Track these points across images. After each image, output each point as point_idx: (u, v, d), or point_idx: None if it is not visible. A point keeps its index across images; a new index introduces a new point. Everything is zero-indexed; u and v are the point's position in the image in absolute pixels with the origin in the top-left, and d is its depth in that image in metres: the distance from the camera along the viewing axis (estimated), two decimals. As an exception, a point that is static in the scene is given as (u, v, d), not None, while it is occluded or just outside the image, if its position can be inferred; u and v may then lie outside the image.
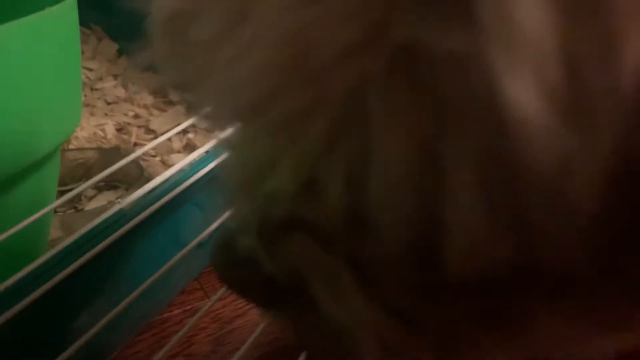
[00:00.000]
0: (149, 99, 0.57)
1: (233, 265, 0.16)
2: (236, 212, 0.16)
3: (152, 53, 0.14)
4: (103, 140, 0.50)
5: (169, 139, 0.51)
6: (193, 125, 0.46)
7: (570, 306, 0.12)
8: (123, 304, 0.32)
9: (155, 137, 0.53)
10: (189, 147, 0.51)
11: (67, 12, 0.29)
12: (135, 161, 0.44)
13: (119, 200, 0.44)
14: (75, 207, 0.45)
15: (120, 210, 0.30)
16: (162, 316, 0.42)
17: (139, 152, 0.35)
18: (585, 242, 0.10)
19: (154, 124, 0.54)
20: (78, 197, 0.46)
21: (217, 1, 0.12)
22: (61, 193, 0.41)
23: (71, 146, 0.50)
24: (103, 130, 0.52)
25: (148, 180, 0.45)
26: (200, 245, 0.37)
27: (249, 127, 0.13)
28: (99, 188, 0.47)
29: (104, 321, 0.31)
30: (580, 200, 0.09)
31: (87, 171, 0.47)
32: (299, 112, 0.11)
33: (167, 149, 0.51)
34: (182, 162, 0.35)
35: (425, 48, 0.09)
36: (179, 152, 0.50)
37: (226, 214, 0.17)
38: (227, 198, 0.17)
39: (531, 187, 0.09)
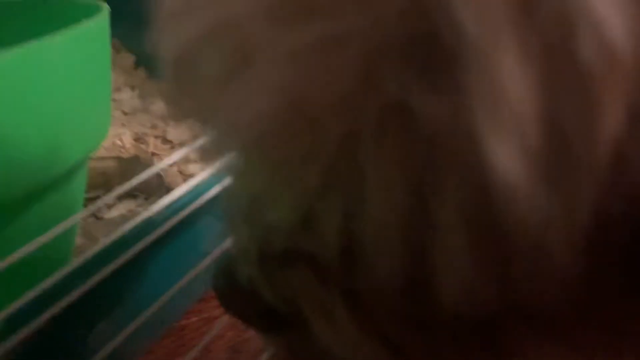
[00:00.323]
0: (165, 110, 0.58)
1: (233, 292, 0.17)
2: (237, 239, 0.17)
3: (163, 87, 0.15)
4: (122, 150, 0.51)
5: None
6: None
7: (556, 343, 0.12)
8: (146, 312, 0.33)
9: (172, 147, 0.54)
10: (206, 157, 0.51)
11: (101, 25, 0.30)
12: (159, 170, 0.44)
13: (140, 208, 0.45)
14: (95, 215, 0.46)
15: (149, 218, 0.31)
16: (180, 323, 0.43)
17: (162, 164, 0.36)
18: (565, 288, 0.11)
19: (171, 134, 0.55)
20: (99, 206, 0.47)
21: (221, 49, 0.12)
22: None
23: (91, 155, 0.51)
24: (121, 140, 0.53)
25: (167, 189, 0.46)
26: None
27: (251, 162, 0.14)
28: (119, 197, 0.47)
29: (129, 330, 0.32)
30: (558, 254, 0.10)
31: (106, 180, 0.48)
32: (296, 155, 0.12)
33: (184, 158, 0.52)
34: (203, 172, 0.36)
35: (413, 109, 0.10)
36: (195, 161, 0.51)
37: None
38: (229, 225, 0.17)
39: (514, 239, 0.10)
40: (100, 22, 0.29)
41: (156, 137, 0.55)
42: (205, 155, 0.15)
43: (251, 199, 0.15)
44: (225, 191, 0.17)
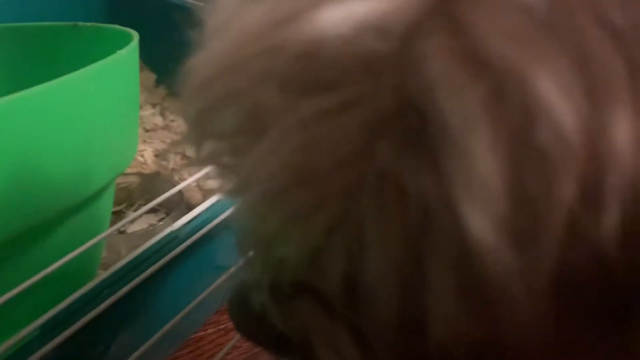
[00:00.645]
0: (185, 127, 0.60)
1: (246, 317, 0.19)
2: (251, 269, 0.18)
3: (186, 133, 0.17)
4: (143, 166, 0.53)
5: (204, 165, 0.54)
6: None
7: None
8: (167, 324, 0.35)
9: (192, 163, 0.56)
10: (224, 173, 0.53)
11: (132, 54, 0.32)
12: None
13: (161, 222, 0.47)
14: (117, 229, 0.48)
15: (172, 232, 0.32)
16: (197, 334, 0.45)
17: (185, 183, 0.38)
18: (538, 328, 0.13)
19: (190, 151, 0.57)
20: (120, 219, 0.49)
21: (238, 111, 0.14)
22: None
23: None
24: (142, 156, 0.55)
25: (187, 204, 0.48)
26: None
27: (264, 208, 0.15)
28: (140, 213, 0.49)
29: (150, 341, 0.34)
30: (528, 300, 0.12)
31: (128, 195, 0.50)
32: (305, 205, 0.13)
33: (203, 174, 0.54)
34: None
35: (403, 179, 0.12)
36: (214, 178, 0.53)
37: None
38: (243, 254, 0.19)
39: (491, 288, 0.12)
40: (131, 50, 0.31)
41: (176, 153, 0.57)
42: (224, 193, 0.17)
43: (263, 237, 0.16)
44: (240, 226, 0.18)
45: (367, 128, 0.12)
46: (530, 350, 0.13)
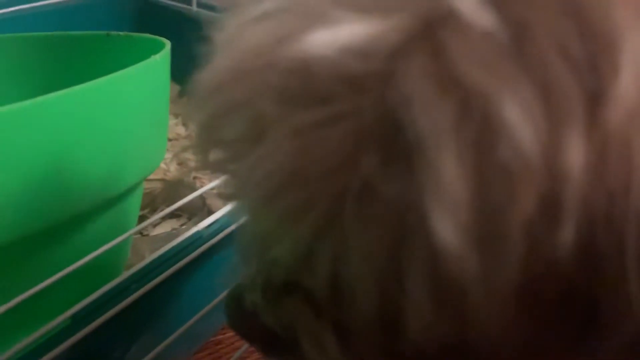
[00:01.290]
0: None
1: (241, 316, 0.20)
2: (246, 270, 0.20)
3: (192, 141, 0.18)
4: (166, 173, 0.55)
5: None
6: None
7: None
8: (188, 324, 0.36)
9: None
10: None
11: (165, 60, 0.33)
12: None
13: (183, 227, 0.48)
14: (141, 233, 0.49)
15: (197, 232, 0.34)
16: (216, 337, 0.45)
17: (205, 188, 0.39)
18: (504, 330, 0.13)
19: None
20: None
21: (240, 121, 0.15)
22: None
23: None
24: (166, 164, 0.56)
25: (208, 210, 0.49)
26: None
27: (259, 209, 0.17)
28: (164, 216, 0.51)
29: (171, 338, 0.34)
30: (491, 304, 0.13)
31: (152, 200, 0.52)
32: (297, 207, 0.15)
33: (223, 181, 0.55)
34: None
35: (380, 188, 0.13)
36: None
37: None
38: (241, 257, 0.20)
39: (457, 292, 0.13)
40: (164, 56, 0.33)
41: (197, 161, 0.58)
42: (226, 197, 0.18)
43: (260, 238, 0.18)
44: (239, 229, 0.20)
45: (353, 139, 0.13)
46: (497, 352, 0.14)
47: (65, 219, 0.28)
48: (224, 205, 0.43)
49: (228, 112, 0.16)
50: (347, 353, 0.17)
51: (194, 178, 0.56)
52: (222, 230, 0.36)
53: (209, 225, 0.36)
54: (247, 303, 0.19)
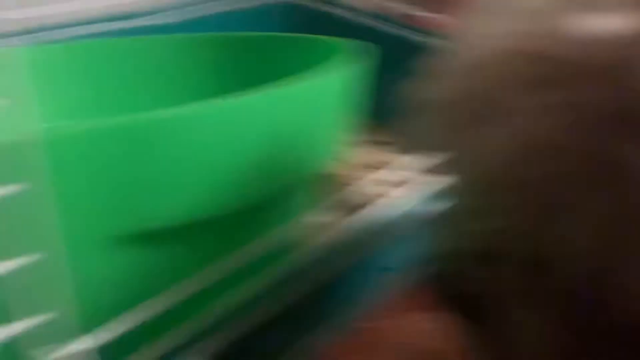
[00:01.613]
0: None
1: (444, 283, 0.21)
2: (449, 240, 0.21)
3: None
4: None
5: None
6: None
7: None
8: (336, 316, 0.38)
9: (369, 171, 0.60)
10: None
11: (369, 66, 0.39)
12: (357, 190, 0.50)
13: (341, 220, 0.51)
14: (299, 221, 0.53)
15: (357, 229, 0.36)
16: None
17: (364, 185, 0.42)
18: None
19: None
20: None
21: (471, 100, 0.17)
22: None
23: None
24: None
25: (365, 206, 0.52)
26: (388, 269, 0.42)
27: (487, 179, 0.18)
28: (324, 209, 0.54)
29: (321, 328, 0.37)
30: None
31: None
32: (504, 205, 0.16)
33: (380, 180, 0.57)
34: (397, 192, 0.41)
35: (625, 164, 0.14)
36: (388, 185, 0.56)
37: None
38: (443, 230, 0.21)
39: None
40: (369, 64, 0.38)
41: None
42: (438, 169, 0.19)
43: (479, 210, 0.19)
44: (439, 207, 0.21)
45: (591, 122, 0.14)
46: None
47: (268, 194, 0.34)
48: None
49: (462, 99, 0.17)
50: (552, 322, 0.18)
51: (354, 176, 0.59)
52: (377, 224, 0.38)
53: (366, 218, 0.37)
54: (451, 271, 0.20)
